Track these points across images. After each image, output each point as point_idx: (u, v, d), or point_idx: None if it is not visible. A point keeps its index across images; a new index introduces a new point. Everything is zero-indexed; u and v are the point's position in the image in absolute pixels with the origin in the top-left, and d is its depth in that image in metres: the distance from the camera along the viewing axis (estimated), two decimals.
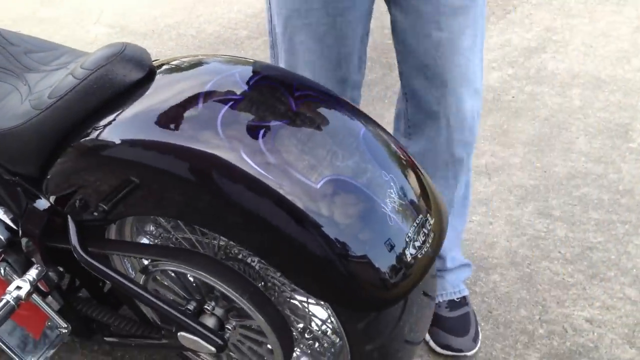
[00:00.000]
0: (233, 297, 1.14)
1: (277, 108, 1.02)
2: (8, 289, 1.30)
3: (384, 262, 0.98)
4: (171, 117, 1.02)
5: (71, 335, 1.48)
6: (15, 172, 1.21)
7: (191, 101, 1.03)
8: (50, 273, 1.37)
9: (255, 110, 1.01)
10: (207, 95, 1.03)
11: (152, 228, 1.36)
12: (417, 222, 1.02)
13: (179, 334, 1.19)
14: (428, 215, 1.04)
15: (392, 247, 0.98)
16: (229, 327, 1.22)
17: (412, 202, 1.03)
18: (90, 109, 1.07)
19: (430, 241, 1.03)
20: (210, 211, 1.00)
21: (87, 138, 1.06)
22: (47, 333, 1.46)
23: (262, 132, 0.98)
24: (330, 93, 1.09)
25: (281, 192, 0.95)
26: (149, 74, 1.11)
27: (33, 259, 1.35)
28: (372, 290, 0.98)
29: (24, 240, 1.32)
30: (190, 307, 1.23)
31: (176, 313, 1.17)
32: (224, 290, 1.14)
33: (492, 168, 2.29)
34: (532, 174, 2.25)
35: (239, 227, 1.00)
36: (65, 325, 1.46)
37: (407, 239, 1.00)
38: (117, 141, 1.03)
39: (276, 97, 1.03)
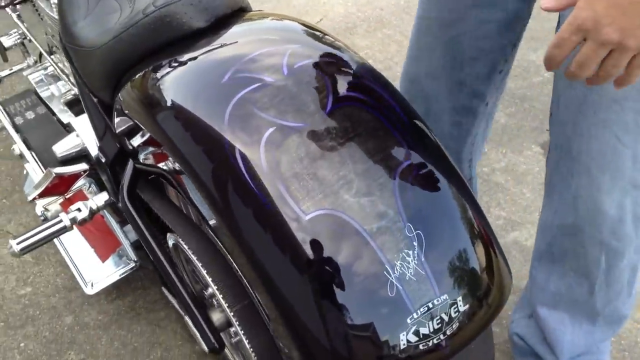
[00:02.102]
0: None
1: (306, 105, 0.80)
2: (70, 207, 1.27)
3: (360, 343, 0.74)
4: (194, 82, 0.87)
5: (138, 270, 1.43)
6: (96, 95, 1.16)
7: (221, 71, 0.85)
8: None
9: (278, 101, 0.80)
10: (240, 68, 0.85)
11: None
12: (436, 303, 0.75)
13: (185, 317, 1.07)
14: (459, 298, 0.76)
15: (382, 327, 0.74)
16: (234, 331, 1.06)
17: (439, 273, 0.76)
18: (149, 48, 1.00)
19: (450, 334, 0.76)
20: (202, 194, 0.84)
21: (134, 78, 0.98)
22: (114, 260, 1.43)
23: (270, 131, 0.78)
24: (400, 107, 0.84)
25: (258, 210, 0.75)
26: (218, 23, 1.00)
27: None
28: None
29: (99, 165, 1.28)
30: (204, 293, 1.09)
31: (182, 291, 1.04)
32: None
33: None
34: None
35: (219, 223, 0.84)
36: (135, 259, 1.42)
37: (410, 321, 0.74)
38: (151, 91, 0.93)
39: (313, 91, 0.81)
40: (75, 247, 1.44)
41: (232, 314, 0.94)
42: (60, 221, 1.24)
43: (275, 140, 0.78)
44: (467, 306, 0.77)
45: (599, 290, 1.16)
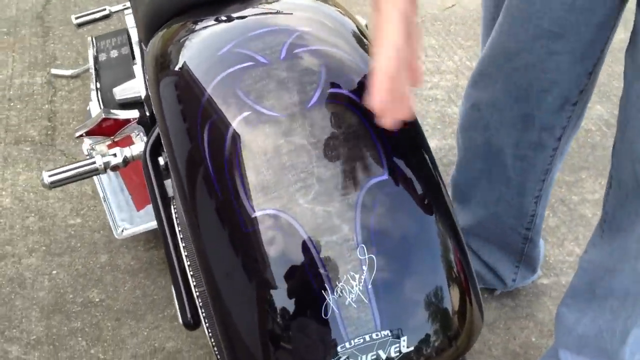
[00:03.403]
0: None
1: (290, 94, 0.74)
2: (109, 150, 1.29)
3: (282, 357, 0.68)
4: (197, 49, 0.84)
5: None
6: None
7: (223, 42, 0.82)
8: None
9: (262, 85, 0.75)
10: (240, 43, 0.80)
11: None
12: (374, 337, 0.68)
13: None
14: (403, 338, 0.69)
15: (309, 348, 0.68)
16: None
17: (385, 306, 0.68)
18: (185, 4, 0.98)
19: None
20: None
21: (156, 34, 0.96)
22: (149, 212, 1.44)
23: (244, 115, 0.73)
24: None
25: (209, 192, 0.71)
26: None
27: None
28: None
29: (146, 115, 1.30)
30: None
31: (173, 258, 1.01)
32: None
33: None
34: None
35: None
36: None
37: (341, 350, 0.67)
38: (158, 50, 0.91)
39: (303, 81, 0.75)
40: (115, 190, 1.46)
41: (196, 293, 0.91)
42: (94, 163, 1.25)
43: (245, 126, 0.72)
44: (411, 348, 0.69)
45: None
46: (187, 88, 0.79)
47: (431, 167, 0.77)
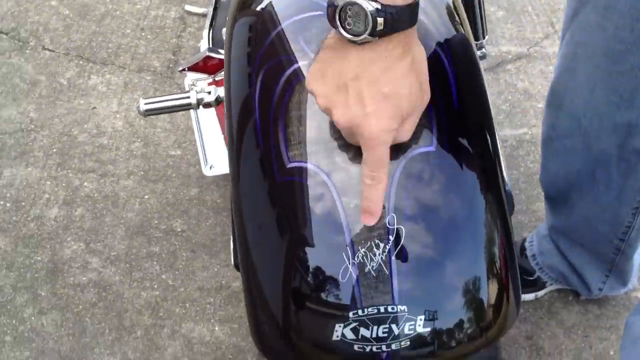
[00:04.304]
0: None
1: None
2: (205, 88, 1.32)
3: (291, 313, 0.67)
4: None
5: None
6: None
7: None
8: None
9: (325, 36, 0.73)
10: None
11: None
12: (389, 310, 0.66)
13: None
14: (419, 317, 0.66)
15: (319, 307, 0.66)
16: None
17: (407, 281, 0.66)
18: None
19: (394, 349, 0.66)
20: None
21: None
22: None
23: (300, 64, 0.71)
24: (457, 87, 0.72)
25: (250, 133, 0.72)
26: None
27: None
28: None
29: None
30: None
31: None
32: None
33: None
34: None
35: None
36: None
37: (352, 316, 0.66)
38: None
39: None
40: (211, 127, 1.49)
41: None
42: (188, 97, 1.29)
43: (298, 75, 0.71)
44: (427, 329, 0.66)
45: None
46: (256, 29, 0.79)
47: (490, 147, 0.72)
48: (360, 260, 0.65)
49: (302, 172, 0.67)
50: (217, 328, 1.37)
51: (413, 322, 0.66)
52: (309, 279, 0.66)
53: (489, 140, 0.72)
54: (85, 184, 1.64)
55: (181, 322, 1.37)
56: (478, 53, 0.81)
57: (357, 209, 0.66)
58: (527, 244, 1.46)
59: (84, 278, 1.44)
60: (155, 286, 1.42)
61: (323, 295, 0.66)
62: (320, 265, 0.66)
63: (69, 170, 1.67)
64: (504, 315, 0.69)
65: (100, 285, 1.43)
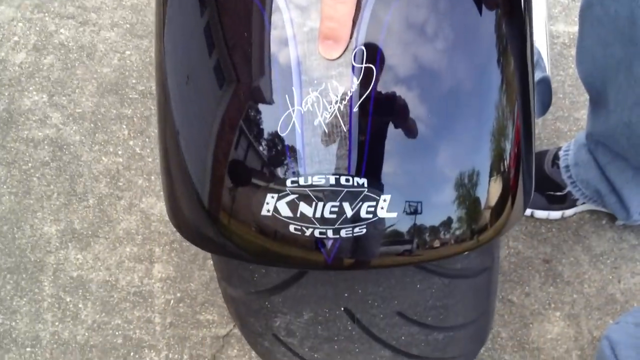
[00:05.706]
0: None
1: None
2: None
3: (206, 185, 0.49)
4: None
5: None
6: None
7: None
8: None
9: None
10: None
11: None
12: (343, 182, 0.47)
13: None
14: (383, 198, 0.47)
15: (244, 174, 0.48)
16: None
17: (373, 145, 0.46)
18: None
19: (343, 237, 0.48)
20: None
21: None
22: None
23: None
24: None
25: None
26: None
27: None
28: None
29: None
30: None
31: None
32: None
33: None
34: None
35: None
36: None
37: (290, 186, 0.47)
38: None
39: None
40: None
41: None
42: None
43: None
44: (392, 215, 0.47)
45: None
46: None
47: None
48: (309, 107, 0.45)
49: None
50: None
51: (374, 203, 0.47)
52: (235, 129, 0.47)
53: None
54: (62, 30, 1.44)
55: (142, 196, 1.21)
56: None
57: (313, 34, 0.46)
58: (561, 153, 1.24)
59: (40, 133, 1.26)
60: (120, 152, 1.25)
61: (253, 153, 0.47)
62: (252, 111, 0.47)
63: (47, 14, 1.47)
64: (502, 211, 0.50)
65: (56, 143, 1.25)
